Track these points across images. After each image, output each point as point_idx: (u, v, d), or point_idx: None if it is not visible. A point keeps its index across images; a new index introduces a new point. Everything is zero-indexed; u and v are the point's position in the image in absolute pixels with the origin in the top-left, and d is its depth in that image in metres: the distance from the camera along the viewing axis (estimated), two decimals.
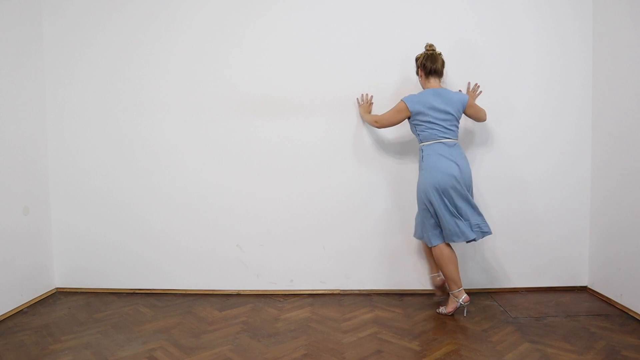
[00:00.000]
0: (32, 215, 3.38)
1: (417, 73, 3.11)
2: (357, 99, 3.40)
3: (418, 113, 3.00)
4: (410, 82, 3.34)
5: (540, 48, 3.42)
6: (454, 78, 3.39)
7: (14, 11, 3.24)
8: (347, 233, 3.50)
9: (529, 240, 3.49)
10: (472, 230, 2.99)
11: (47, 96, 3.53)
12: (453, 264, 3.03)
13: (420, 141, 3.07)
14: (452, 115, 2.98)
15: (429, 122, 2.99)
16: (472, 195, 3.07)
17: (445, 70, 3.10)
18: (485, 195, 3.46)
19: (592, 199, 3.45)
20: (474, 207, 3.01)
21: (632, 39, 3.01)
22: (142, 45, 3.48)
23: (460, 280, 3.06)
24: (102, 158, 3.54)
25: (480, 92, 3.31)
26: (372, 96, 3.38)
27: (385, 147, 3.46)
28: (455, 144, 3.01)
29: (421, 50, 3.13)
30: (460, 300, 3.01)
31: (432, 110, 2.96)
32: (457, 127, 3.05)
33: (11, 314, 3.16)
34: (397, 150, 3.46)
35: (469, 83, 3.32)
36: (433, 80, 3.03)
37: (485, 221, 3.05)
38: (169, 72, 3.48)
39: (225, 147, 3.50)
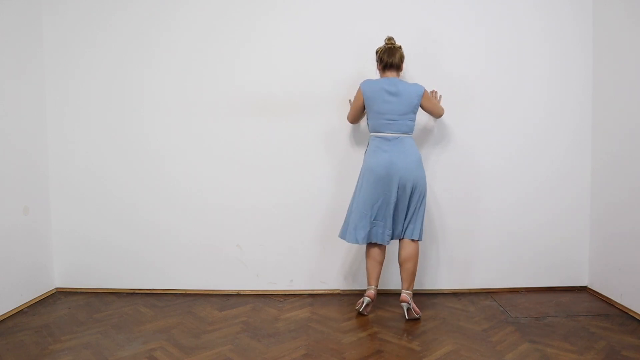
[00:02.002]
0: (32, 215, 3.38)
1: (377, 67, 3.10)
2: (350, 100, 3.40)
3: (369, 99, 3.00)
4: (415, 81, 3.35)
5: (539, 48, 3.42)
6: (452, 76, 3.39)
7: (13, 11, 3.24)
8: None
9: (530, 241, 3.49)
10: (347, 232, 3.03)
11: (47, 96, 3.53)
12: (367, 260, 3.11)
13: (369, 131, 3.09)
14: (402, 106, 2.94)
15: (377, 112, 2.98)
16: (413, 195, 2.96)
17: (405, 65, 3.09)
18: (485, 195, 3.47)
19: (593, 200, 3.45)
20: (407, 210, 2.95)
21: (632, 39, 3.01)
22: (143, 45, 3.48)
23: (370, 278, 3.08)
24: (103, 158, 3.54)
25: (440, 96, 3.29)
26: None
27: None
28: (397, 138, 2.96)
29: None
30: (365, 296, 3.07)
31: (382, 98, 2.95)
32: (410, 120, 2.99)
33: (11, 314, 3.16)
34: None
35: (432, 91, 3.28)
36: (389, 73, 3.02)
37: (387, 231, 2.96)
38: (170, 72, 3.48)
39: (226, 147, 3.50)
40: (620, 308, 3.13)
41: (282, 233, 3.52)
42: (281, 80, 3.45)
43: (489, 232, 3.49)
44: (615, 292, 3.20)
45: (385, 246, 3.09)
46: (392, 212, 2.96)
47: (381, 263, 3.12)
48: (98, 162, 3.54)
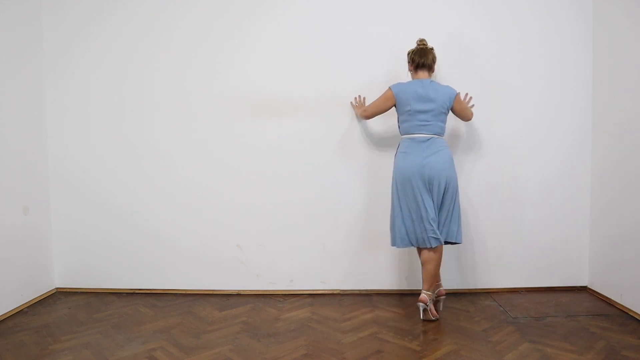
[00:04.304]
0: (32, 215, 3.38)
1: (409, 68, 3.11)
2: (351, 102, 3.41)
3: (402, 101, 3.00)
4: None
5: (539, 48, 3.42)
6: (452, 76, 3.39)
7: (14, 11, 3.24)
8: (348, 233, 3.50)
9: (530, 241, 3.49)
10: (398, 238, 3.00)
11: (47, 96, 3.53)
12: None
13: (400, 134, 3.09)
14: (435, 108, 2.94)
15: (409, 112, 2.98)
16: (446, 195, 2.94)
17: (437, 66, 3.10)
18: (485, 195, 3.47)
19: (593, 199, 3.45)
20: (430, 212, 2.91)
21: (632, 39, 3.01)
22: (143, 45, 3.48)
23: (425, 283, 3.00)
24: (102, 158, 3.54)
25: (470, 98, 3.28)
26: (364, 97, 3.38)
27: (386, 146, 3.45)
28: (429, 139, 2.96)
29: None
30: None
31: (414, 100, 2.95)
32: (442, 122, 3.00)
33: (11, 314, 3.16)
34: None
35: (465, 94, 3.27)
36: (421, 74, 3.03)
37: (432, 231, 2.90)
38: (170, 72, 3.48)
39: (226, 147, 3.50)
40: (620, 308, 3.13)
41: (282, 233, 3.52)
42: (281, 81, 3.45)
43: (488, 232, 3.49)
44: (615, 292, 3.20)
45: (434, 247, 2.96)
46: (430, 213, 2.91)
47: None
48: (98, 162, 3.54)
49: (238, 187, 3.51)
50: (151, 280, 3.58)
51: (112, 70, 3.50)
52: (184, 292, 3.57)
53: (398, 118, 3.10)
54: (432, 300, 3.01)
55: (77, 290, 3.62)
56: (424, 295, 2.95)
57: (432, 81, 3.01)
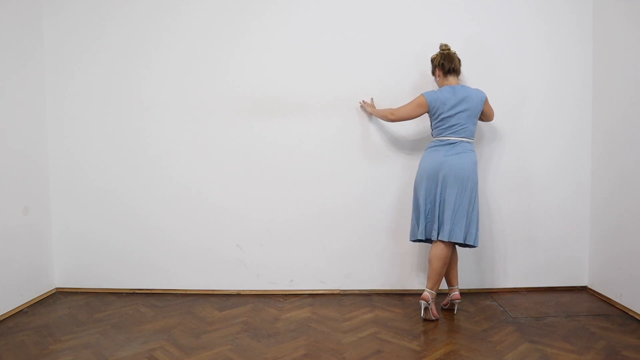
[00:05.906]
0: (32, 215, 3.38)
1: (433, 73, 3.11)
2: (361, 102, 3.40)
3: (434, 110, 3.01)
4: (416, 81, 3.37)
5: (540, 47, 3.42)
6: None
7: (14, 12, 3.24)
8: (347, 233, 3.50)
9: (529, 240, 3.50)
10: (410, 232, 3.12)
11: (48, 96, 3.53)
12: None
13: (432, 136, 3.12)
14: (468, 109, 2.96)
15: (442, 118, 2.99)
16: (463, 195, 2.93)
17: (462, 69, 3.11)
18: (484, 195, 3.47)
19: (592, 198, 3.45)
20: (446, 210, 2.93)
21: (631, 38, 3.01)
22: (143, 45, 3.48)
23: (429, 281, 2.99)
24: (103, 158, 3.54)
25: None
26: (372, 98, 3.40)
27: (384, 146, 3.46)
28: (456, 142, 2.98)
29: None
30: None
31: (447, 106, 2.96)
32: (474, 124, 3.02)
33: (11, 314, 3.16)
34: (397, 149, 3.46)
35: None
36: (451, 78, 3.04)
37: (446, 229, 2.92)
38: (170, 72, 3.48)
39: (226, 147, 3.50)
40: (620, 308, 3.13)
41: (282, 233, 3.52)
42: (282, 82, 3.44)
43: (488, 232, 3.49)
44: (615, 292, 3.20)
45: (441, 247, 2.96)
46: (441, 209, 2.95)
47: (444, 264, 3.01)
48: (98, 162, 3.54)
49: (238, 187, 3.51)
50: (151, 280, 3.58)
51: (111, 70, 3.50)
52: (184, 292, 3.57)
53: (431, 123, 3.12)
54: (434, 299, 3.02)
55: (77, 290, 3.62)
56: (426, 294, 2.96)
57: (462, 85, 3.03)
